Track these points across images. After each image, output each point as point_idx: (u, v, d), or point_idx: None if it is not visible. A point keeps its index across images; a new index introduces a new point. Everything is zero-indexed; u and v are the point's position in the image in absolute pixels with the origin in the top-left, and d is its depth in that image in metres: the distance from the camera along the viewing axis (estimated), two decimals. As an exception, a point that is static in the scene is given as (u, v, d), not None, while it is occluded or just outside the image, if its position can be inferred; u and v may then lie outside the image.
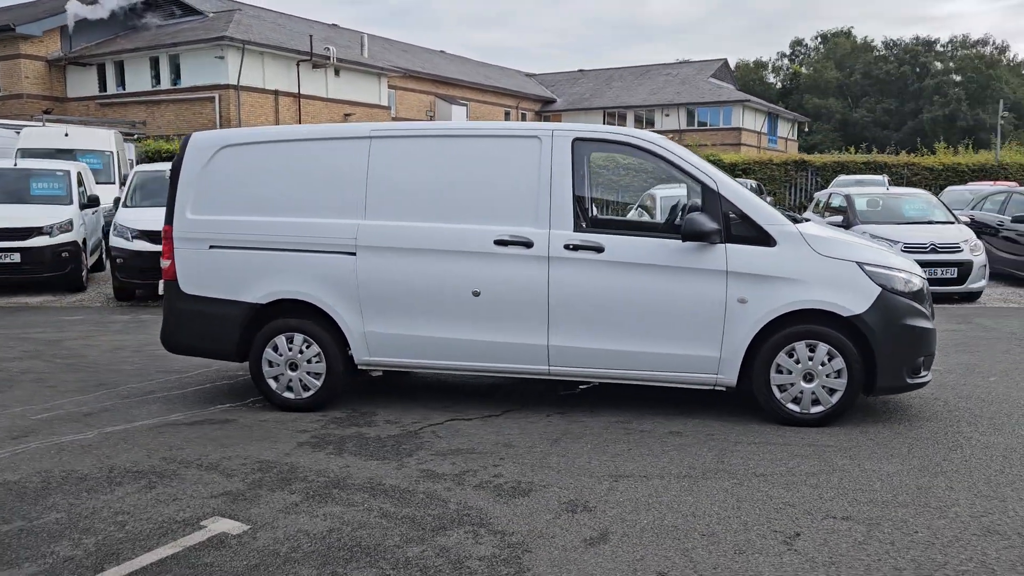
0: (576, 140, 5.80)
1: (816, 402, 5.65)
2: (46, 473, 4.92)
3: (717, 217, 5.57)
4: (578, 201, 5.82)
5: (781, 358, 5.63)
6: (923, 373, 5.79)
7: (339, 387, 6.19)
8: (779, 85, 74.58)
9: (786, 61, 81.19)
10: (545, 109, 55.45)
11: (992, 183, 21.63)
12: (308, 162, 6.13)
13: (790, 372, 5.64)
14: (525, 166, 5.84)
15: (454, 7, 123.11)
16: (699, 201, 5.89)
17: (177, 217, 6.23)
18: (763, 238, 5.60)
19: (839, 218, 13.24)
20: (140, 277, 11.29)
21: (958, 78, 69.79)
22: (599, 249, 5.69)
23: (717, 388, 5.82)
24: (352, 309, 5.99)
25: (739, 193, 5.71)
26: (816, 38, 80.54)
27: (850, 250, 5.71)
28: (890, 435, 5.50)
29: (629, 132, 5.93)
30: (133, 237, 11.29)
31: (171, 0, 38.76)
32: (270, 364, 6.16)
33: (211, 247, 6.18)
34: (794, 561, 3.70)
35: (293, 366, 6.14)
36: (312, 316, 6.09)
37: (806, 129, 66.14)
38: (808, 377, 5.63)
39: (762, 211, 5.67)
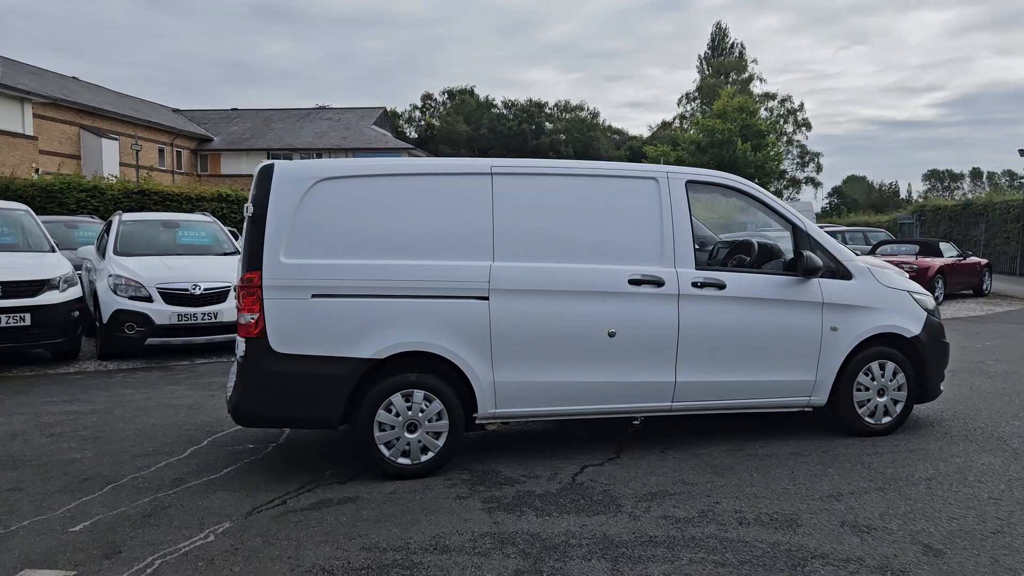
0: (688, 182, 6.04)
1: (886, 413, 6.47)
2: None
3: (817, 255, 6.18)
4: (694, 240, 6.04)
5: (861, 377, 6.37)
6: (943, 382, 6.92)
7: (458, 447, 5.60)
8: (415, 135, 78.48)
9: (418, 113, 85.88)
10: (203, 148, 51.97)
11: None
12: (421, 198, 5.53)
13: (867, 389, 6.40)
14: (646, 206, 5.91)
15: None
16: (766, 243, 6.47)
17: (267, 262, 5.19)
18: (843, 272, 6.31)
19: None
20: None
21: (564, 137, 79.12)
22: (721, 286, 5.95)
23: (806, 409, 6.38)
24: (482, 358, 5.51)
25: (821, 233, 6.38)
26: (444, 93, 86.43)
27: (901, 281, 6.68)
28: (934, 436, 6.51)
29: (732, 177, 6.29)
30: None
31: None
32: (382, 428, 5.38)
33: (314, 296, 5.26)
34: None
35: (412, 427, 5.43)
36: (433, 369, 5.47)
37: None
38: (880, 392, 6.44)
39: (839, 249, 6.40)
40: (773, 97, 71.64)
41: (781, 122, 69.78)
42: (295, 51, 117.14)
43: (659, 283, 5.81)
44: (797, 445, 6.20)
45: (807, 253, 6.11)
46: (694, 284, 5.89)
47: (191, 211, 17.85)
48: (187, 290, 9.93)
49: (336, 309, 5.28)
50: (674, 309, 5.85)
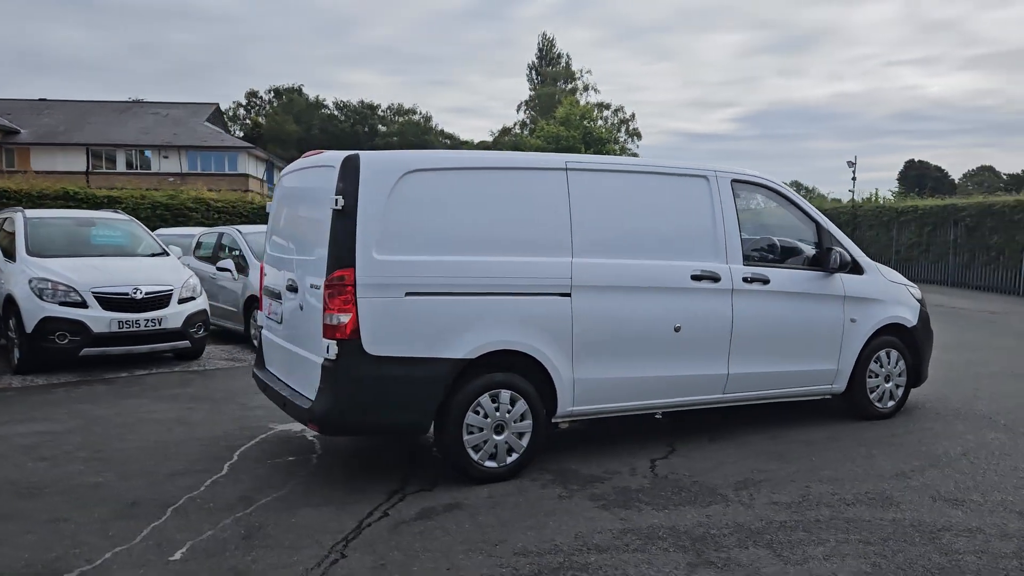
0: (733, 180, 6.25)
1: (891, 398, 7.00)
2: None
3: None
4: (741, 236, 6.25)
5: (872, 365, 6.86)
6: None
7: (540, 447, 5.49)
8: (240, 133, 75.42)
9: (242, 111, 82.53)
10: (8, 141, 47.05)
11: None
12: (504, 193, 5.37)
13: (877, 376, 6.90)
14: (700, 203, 6.06)
15: None
16: (787, 241, 6.85)
17: (360, 258, 4.84)
18: (857, 268, 6.77)
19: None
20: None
21: (397, 140, 78.46)
22: (766, 281, 6.21)
23: (826, 397, 6.79)
24: (564, 355, 5.43)
25: (838, 231, 6.80)
26: (270, 91, 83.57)
27: (897, 276, 7.24)
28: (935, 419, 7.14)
29: (768, 177, 6.57)
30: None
31: None
32: (470, 431, 5.18)
33: (407, 294, 4.97)
34: None
35: (499, 428, 5.27)
36: (517, 368, 5.33)
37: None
38: (887, 378, 6.96)
39: (853, 246, 6.85)
40: (607, 107, 74.78)
41: (614, 131, 72.96)
42: (93, 40, 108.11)
43: (716, 278, 5.98)
44: (824, 431, 6.57)
45: (837, 249, 6.51)
46: (744, 279, 6.11)
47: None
48: (127, 294, 8.98)
49: (430, 308, 5.03)
50: (728, 303, 6.04)
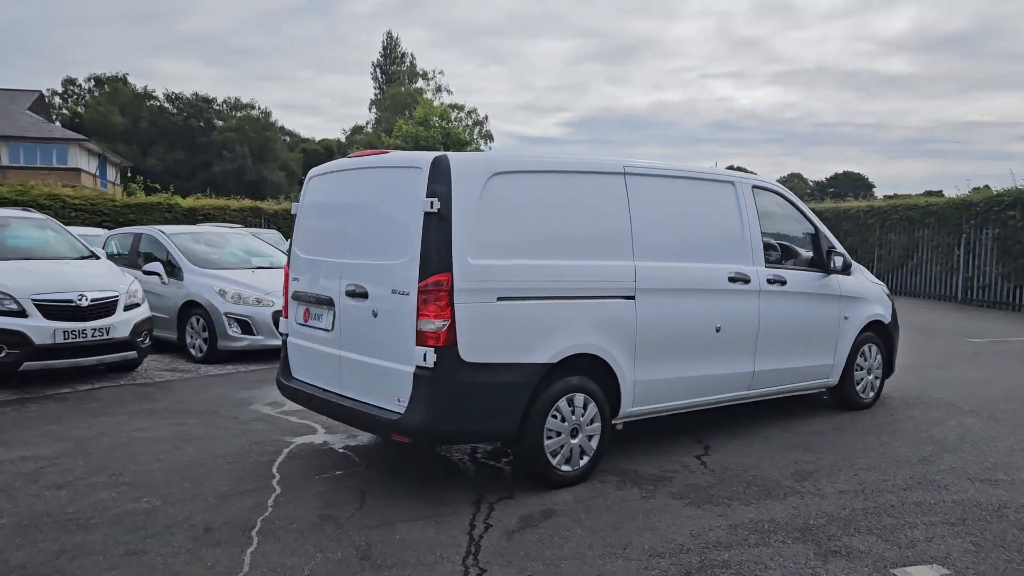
0: (753, 187, 6.56)
1: (871, 389, 7.59)
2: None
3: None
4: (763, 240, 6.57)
5: (859, 359, 7.40)
6: None
7: (606, 449, 5.53)
8: (58, 124, 69.89)
9: (59, 99, 76.53)
10: None
11: None
12: (576, 196, 5.37)
13: (862, 369, 7.46)
14: (730, 208, 6.32)
15: None
16: (784, 244, 7.27)
17: (457, 263, 4.69)
18: (845, 268, 7.29)
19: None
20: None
21: (234, 136, 74.27)
22: (784, 282, 6.57)
23: (821, 390, 7.26)
24: (628, 357, 5.51)
25: (831, 235, 7.27)
26: (90, 80, 77.96)
27: (873, 276, 7.83)
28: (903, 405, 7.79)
29: (778, 184, 6.93)
30: None
31: None
32: (549, 435, 5.15)
33: (499, 299, 4.86)
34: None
35: (574, 432, 5.27)
36: (588, 371, 5.35)
37: (128, 174, 63.14)
38: (869, 371, 7.53)
39: (843, 249, 7.36)
40: (461, 108, 75.11)
41: (470, 133, 73.35)
42: None
43: (747, 280, 6.26)
44: (825, 423, 7.02)
45: (838, 252, 6.98)
46: (768, 280, 6.43)
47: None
48: (72, 302, 8.13)
49: (520, 312, 4.96)
50: (756, 304, 6.34)
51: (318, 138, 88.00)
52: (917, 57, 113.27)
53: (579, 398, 5.27)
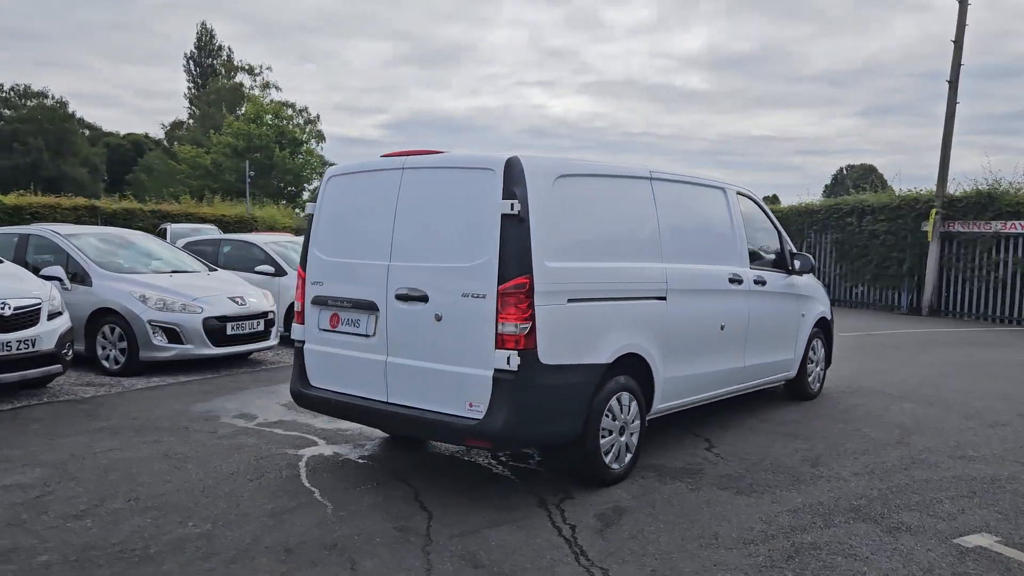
0: (736, 192, 6.96)
1: (819, 381, 8.26)
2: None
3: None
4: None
5: (810, 353, 8.03)
6: None
7: (643, 446, 5.67)
8: None
9: None
10: None
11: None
12: (617, 200, 5.51)
13: (813, 362, 8.11)
14: (721, 212, 6.69)
15: None
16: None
17: (536, 265, 4.65)
18: (803, 270, 7.88)
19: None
20: None
21: (27, 127, 66.65)
22: (764, 282, 7.03)
23: (781, 383, 7.81)
24: (661, 355, 5.70)
25: (788, 238, 7.84)
26: None
27: (814, 277, 8.51)
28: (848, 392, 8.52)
29: (752, 190, 7.34)
30: None
31: None
32: (603, 434, 5.24)
33: (569, 300, 4.88)
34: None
35: (621, 430, 5.38)
36: (632, 370, 5.48)
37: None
38: (817, 364, 8.19)
39: (800, 252, 7.94)
40: (292, 106, 72.62)
41: (303, 131, 70.99)
42: None
43: (740, 281, 6.65)
44: (793, 413, 7.59)
45: (803, 254, 7.57)
46: (754, 281, 6.86)
47: None
48: (-7, 311, 7.19)
49: (586, 314, 5.00)
50: (746, 303, 6.75)
51: (122, 132, 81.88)
52: (711, 74, 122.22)
53: (625, 396, 5.40)
